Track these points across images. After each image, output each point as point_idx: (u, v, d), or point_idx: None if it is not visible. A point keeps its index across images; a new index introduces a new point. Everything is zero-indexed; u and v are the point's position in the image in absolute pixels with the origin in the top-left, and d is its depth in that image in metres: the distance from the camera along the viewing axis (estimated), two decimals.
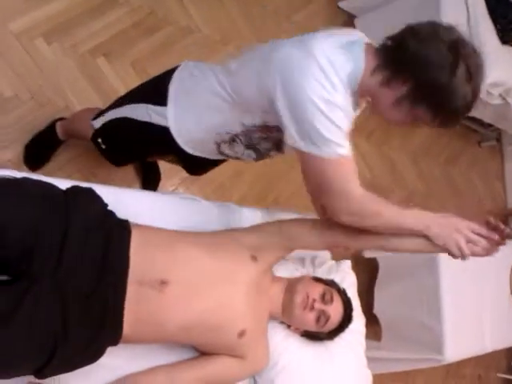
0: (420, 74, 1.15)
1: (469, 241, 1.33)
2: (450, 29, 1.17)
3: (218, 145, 1.51)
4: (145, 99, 1.52)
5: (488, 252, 1.36)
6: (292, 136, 1.22)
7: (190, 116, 1.46)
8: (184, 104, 1.46)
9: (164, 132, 1.49)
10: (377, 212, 1.30)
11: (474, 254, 1.35)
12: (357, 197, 1.26)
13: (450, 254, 1.37)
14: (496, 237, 1.34)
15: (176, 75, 1.50)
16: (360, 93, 1.25)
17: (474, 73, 1.15)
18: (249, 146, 1.51)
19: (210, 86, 1.39)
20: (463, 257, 1.35)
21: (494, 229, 1.35)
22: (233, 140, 1.48)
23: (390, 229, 1.35)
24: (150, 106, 1.49)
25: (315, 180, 1.27)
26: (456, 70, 1.13)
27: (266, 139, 1.46)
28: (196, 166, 1.77)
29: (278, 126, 1.32)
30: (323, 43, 1.21)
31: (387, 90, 1.21)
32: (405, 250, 1.44)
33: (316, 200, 1.35)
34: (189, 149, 1.55)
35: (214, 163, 1.76)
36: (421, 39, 1.15)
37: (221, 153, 1.56)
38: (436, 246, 1.36)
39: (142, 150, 1.73)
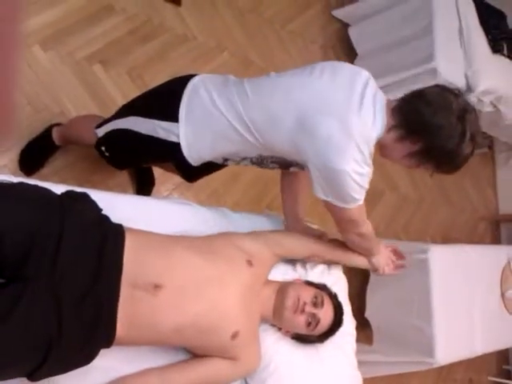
0: (432, 140, 1.33)
1: (387, 264, 1.81)
2: (458, 95, 1.36)
3: (226, 159, 1.60)
4: (152, 114, 1.53)
5: (393, 272, 1.84)
6: (323, 194, 1.42)
7: (203, 141, 1.50)
8: (196, 128, 1.49)
9: (171, 147, 1.51)
10: (369, 237, 1.64)
11: (388, 274, 1.83)
12: (365, 226, 1.58)
13: (374, 270, 1.82)
14: (400, 262, 1.84)
15: (188, 93, 1.51)
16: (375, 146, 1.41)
17: (477, 136, 1.36)
18: (257, 165, 1.60)
19: (230, 121, 1.44)
20: (382, 275, 1.83)
21: (398, 255, 1.85)
22: (243, 159, 1.57)
23: (366, 250, 1.73)
24: (157, 122, 1.51)
25: (341, 218, 1.51)
26: (464, 139, 1.31)
27: (277, 162, 1.57)
28: (194, 173, 1.80)
29: (295, 161, 1.50)
30: (360, 118, 1.34)
31: (400, 145, 1.38)
32: (352, 264, 1.82)
33: (340, 227, 1.61)
34: (195, 163, 1.59)
35: (208, 170, 1.79)
36: (434, 109, 1.31)
37: (224, 164, 1.65)
38: (371, 265, 1.78)
39: (144, 160, 1.82)
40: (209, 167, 1.69)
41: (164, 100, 1.58)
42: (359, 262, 1.78)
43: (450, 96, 1.34)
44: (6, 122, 0.46)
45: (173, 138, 1.50)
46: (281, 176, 1.79)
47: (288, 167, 1.60)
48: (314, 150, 1.35)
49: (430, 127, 1.32)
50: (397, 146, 1.39)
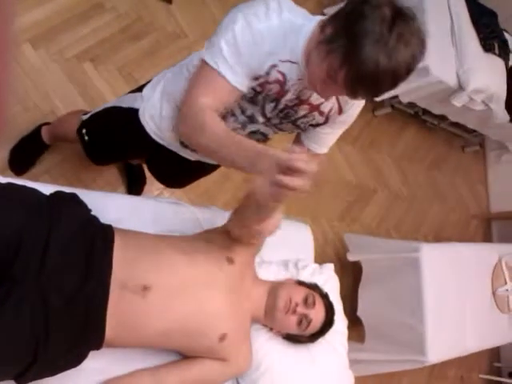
0: (343, 14, 1.05)
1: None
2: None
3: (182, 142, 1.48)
4: (136, 90, 1.55)
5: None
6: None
7: (157, 105, 1.46)
8: (152, 94, 1.47)
9: (134, 114, 1.48)
10: (207, 127, 1.14)
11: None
12: (199, 103, 1.15)
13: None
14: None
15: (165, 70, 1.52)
16: (305, 57, 1.14)
17: (401, 27, 0.99)
18: None
19: (180, 74, 1.39)
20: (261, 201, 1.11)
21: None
22: None
23: (213, 154, 1.19)
24: (138, 94, 1.51)
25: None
26: (377, 9, 0.98)
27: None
28: (170, 175, 1.78)
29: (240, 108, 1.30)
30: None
31: (317, 36, 1.10)
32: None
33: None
34: (152, 132, 1.50)
35: (190, 176, 1.77)
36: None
37: (181, 143, 1.50)
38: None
39: (122, 144, 1.66)
40: (185, 172, 1.67)
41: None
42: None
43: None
44: None
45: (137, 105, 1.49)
46: None
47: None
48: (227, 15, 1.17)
49: (352, 13, 1.02)
50: (315, 37, 1.11)
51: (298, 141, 1.46)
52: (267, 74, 1.18)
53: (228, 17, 1.15)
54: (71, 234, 1.20)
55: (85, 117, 1.71)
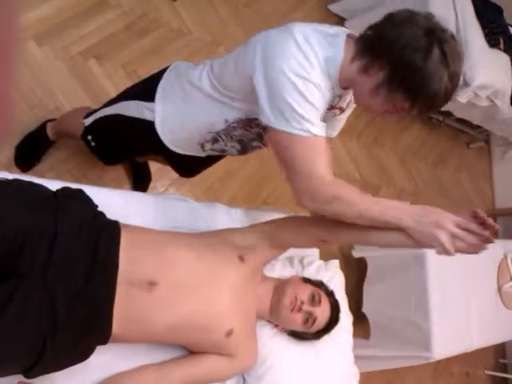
0: (395, 58, 1.13)
1: (454, 236, 1.21)
2: (428, 16, 1.15)
3: (202, 145, 1.53)
4: (135, 96, 1.55)
5: (475, 249, 1.23)
6: (266, 114, 1.19)
7: (174, 116, 1.48)
8: (169, 103, 1.48)
9: (148, 127, 1.50)
10: (339, 197, 1.20)
11: (458, 251, 1.23)
12: (319, 177, 1.19)
13: (425, 247, 1.28)
14: (485, 233, 1.21)
15: (165, 75, 1.52)
16: (341, 82, 1.24)
17: (451, 58, 1.12)
18: (229, 141, 1.51)
19: (195, 82, 1.41)
20: (447, 253, 1.23)
21: (482, 223, 1.22)
22: (215, 140, 1.49)
23: (361, 220, 1.25)
24: (140, 102, 1.52)
25: (283, 158, 1.23)
26: (431, 53, 1.10)
27: (247, 136, 1.47)
28: (185, 165, 1.78)
29: (257, 120, 1.32)
30: (304, 27, 1.21)
31: (365, 77, 1.19)
32: (385, 244, 1.36)
33: (291, 187, 1.29)
34: (175, 148, 1.56)
35: (204, 164, 1.78)
36: (396, 24, 1.14)
37: (205, 151, 1.57)
38: (415, 241, 1.25)
39: (131, 147, 1.73)
40: (199, 162, 1.67)
41: (147, 83, 1.59)
42: (384, 239, 1.30)
43: (418, 14, 1.16)
44: (2, 122, 0.45)
45: (150, 117, 1.50)
46: None
47: (262, 138, 1.49)
48: (253, 54, 1.21)
49: (391, 42, 1.13)
50: (363, 78, 1.20)
51: None
52: None
53: (272, 79, 1.16)
54: (78, 229, 1.20)
55: (87, 122, 1.70)
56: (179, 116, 1.47)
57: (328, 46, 1.20)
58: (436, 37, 1.11)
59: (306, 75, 1.15)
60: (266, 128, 1.30)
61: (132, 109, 1.54)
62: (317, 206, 1.24)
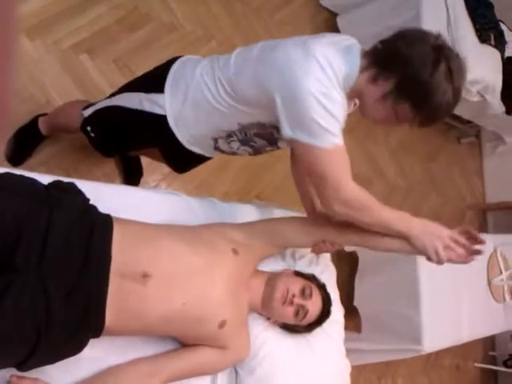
0: (403, 71, 1.24)
1: (446, 247, 1.42)
2: (438, 35, 1.27)
3: (216, 140, 1.56)
4: (138, 89, 1.55)
5: (464, 259, 1.44)
6: (290, 130, 1.28)
7: (188, 114, 1.49)
8: (182, 101, 1.48)
9: (158, 121, 1.51)
10: (367, 206, 1.36)
11: (449, 260, 1.44)
12: (349, 187, 1.33)
13: (427, 257, 1.45)
14: (474, 247, 1.44)
15: (174, 69, 1.52)
16: (350, 94, 1.32)
17: (455, 73, 1.23)
18: (244, 143, 1.55)
19: (210, 88, 1.43)
20: (439, 261, 1.43)
21: (473, 239, 1.46)
22: (229, 136, 1.53)
23: (377, 226, 1.42)
24: (143, 95, 1.52)
25: (313, 169, 1.34)
26: (437, 68, 1.21)
27: (261, 136, 1.51)
28: (181, 160, 1.77)
29: (272, 123, 1.40)
30: (324, 47, 1.28)
31: (373, 86, 1.29)
32: (384, 249, 1.51)
33: (318, 194, 1.42)
34: (186, 143, 1.57)
35: (199, 160, 1.78)
36: (408, 40, 1.25)
37: (216, 148, 1.60)
38: (415, 248, 1.43)
39: (130, 139, 1.71)
40: (196, 157, 1.68)
41: (152, 75, 1.60)
42: (387, 244, 1.46)
43: (428, 32, 1.28)
44: (2, 121, 0.44)
45: (159, 111, 1.50)
46: (290, 164, 1.74)
47: (275, 142, 1.55)
48: (274, 73, 1.28)
49: (400, 56, 1.24)
50: (371, 87, 1.30)
51: None
52: None
53: (298, 100, 1.24)
54: (71, 222, 1.20)
55: (86, 113, 1.69)
56: (193, 116, 1.49)
57: (346, 63, 1.28)
58: (444, 54, 1.23)
59: (329, 93, 1.24)
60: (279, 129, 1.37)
61: (132, 100, 1.54)
62: (345, 211, 1.36)
